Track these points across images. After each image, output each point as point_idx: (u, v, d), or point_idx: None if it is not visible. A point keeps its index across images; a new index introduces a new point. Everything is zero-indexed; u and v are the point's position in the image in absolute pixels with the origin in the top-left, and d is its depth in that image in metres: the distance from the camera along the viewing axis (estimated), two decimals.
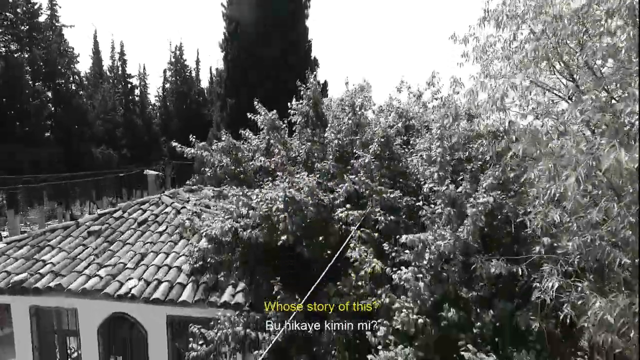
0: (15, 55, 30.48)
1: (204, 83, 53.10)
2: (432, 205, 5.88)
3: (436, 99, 10.49)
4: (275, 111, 8.22)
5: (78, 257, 8.60)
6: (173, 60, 49.32)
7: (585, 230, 5.00)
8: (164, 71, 50.83)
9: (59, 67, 34.21)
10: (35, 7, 33.53)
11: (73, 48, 37.05)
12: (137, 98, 44.96)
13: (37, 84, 31.29)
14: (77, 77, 37.36)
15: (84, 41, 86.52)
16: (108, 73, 44.46)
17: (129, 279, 7.83)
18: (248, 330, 5.54)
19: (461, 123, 8.43)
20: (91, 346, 8.90)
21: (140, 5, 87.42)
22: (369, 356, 4.69)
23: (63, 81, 35.75)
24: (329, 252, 6.58)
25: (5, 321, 13.69)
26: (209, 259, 7.28)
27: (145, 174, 14.47)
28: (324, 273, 5.16)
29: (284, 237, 5.99)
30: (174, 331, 8.77)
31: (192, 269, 7.91)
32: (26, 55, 31.95)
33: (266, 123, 8.06)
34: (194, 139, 8.20)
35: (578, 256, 4.85)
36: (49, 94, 34.06)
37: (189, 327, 6.47)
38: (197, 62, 53.08)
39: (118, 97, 41.27)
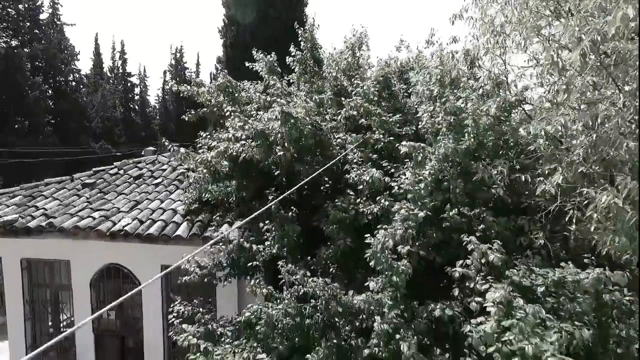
0: (15, 51, 30.58)
1: None
2: (433, 118, 5.74)
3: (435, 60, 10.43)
4: (274, 53, 8.12)
5: (72, 204, 8.43)
6: (173, 62, 49.53)
7: (591, 129, 4.88)
8: (164, 72, 51.05)
9: (59, 64, 34.33)
10: (37, 3, 33.79)
11: (74, 46, 37.30)
12: (136, 97, 45.08)
13: (36, 78, 31.32)
14: (77, 75, 37.50)
15: (85, 40, 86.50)
16: (109, 74, 44.59)
17: (123, 219, 7.65)
18: (242, 240, 5.34)
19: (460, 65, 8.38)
20: (83, 300, 8.68)
21: (141, 8, 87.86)
22: (367, 235, 4.50)
23: (63, 79, 35.91)
24: (327, 180, 6.44)
25: None
26: (204, 195, 7.11)
27: (142, 153, 14.33)
28: (314, 175, 5.00)
29: (280, 153, 5.84)
30: (168, 282, 8.56)
31: (187, 210, 7.75)
32: (26, 50, 32.08)
33: (264, 65, 7.93)
34: (190, 74, 7.99)
35: (583, 151, 4.71)
36: (50, 91, 34.13)
37: (182, 256, 6.25)
38: (197, 64, 53.19)
39: (118, 94, 41.36)
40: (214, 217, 7.36)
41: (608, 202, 4.25)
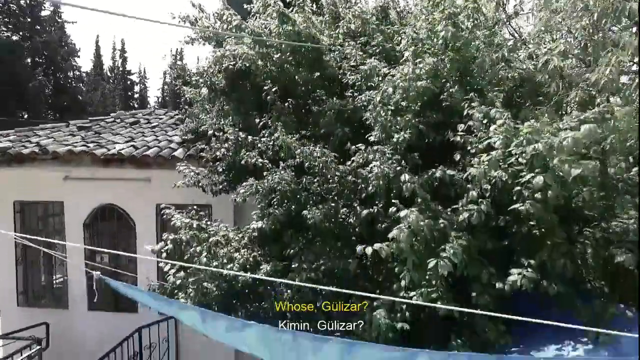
0: (15, 42, 30.74)
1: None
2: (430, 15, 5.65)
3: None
4: None
5: (66, 140, 8.30)
6: (173, 63, 49.75)
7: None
8: (164, 73, 51.24)
9: (59, 59, 34.50)
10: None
11: (74, 43, 37.52)
12: (136, 95, 45.21)
13: (36, 71, 31.44)
14: (77, 72, 37.65)
15: (86, 38, 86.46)
16: (109, 73, 44.75)
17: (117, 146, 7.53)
18: (241, 133, 5.20)
19: None
20: (77, 241, 8.48)
21: (142, 9, 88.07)
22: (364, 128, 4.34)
23: (62, 75, 36.06)
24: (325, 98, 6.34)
25: None
26: (201, 115, 6.99)
27: None
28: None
29: (277, 55, 5.74)
30: (164, 221, 8.38)
31: (183, 139, 7.64)
32: (27, 45, 32.25)
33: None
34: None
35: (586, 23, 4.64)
36: (50, 86, 34.22)
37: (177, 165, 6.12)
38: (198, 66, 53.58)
39: (118, 92, 41.51)
40: (211, 143, 7.23)
41: (614, 63, 4.12)
